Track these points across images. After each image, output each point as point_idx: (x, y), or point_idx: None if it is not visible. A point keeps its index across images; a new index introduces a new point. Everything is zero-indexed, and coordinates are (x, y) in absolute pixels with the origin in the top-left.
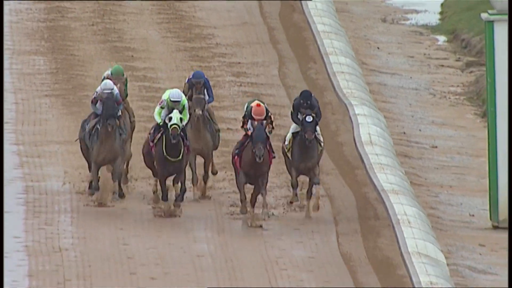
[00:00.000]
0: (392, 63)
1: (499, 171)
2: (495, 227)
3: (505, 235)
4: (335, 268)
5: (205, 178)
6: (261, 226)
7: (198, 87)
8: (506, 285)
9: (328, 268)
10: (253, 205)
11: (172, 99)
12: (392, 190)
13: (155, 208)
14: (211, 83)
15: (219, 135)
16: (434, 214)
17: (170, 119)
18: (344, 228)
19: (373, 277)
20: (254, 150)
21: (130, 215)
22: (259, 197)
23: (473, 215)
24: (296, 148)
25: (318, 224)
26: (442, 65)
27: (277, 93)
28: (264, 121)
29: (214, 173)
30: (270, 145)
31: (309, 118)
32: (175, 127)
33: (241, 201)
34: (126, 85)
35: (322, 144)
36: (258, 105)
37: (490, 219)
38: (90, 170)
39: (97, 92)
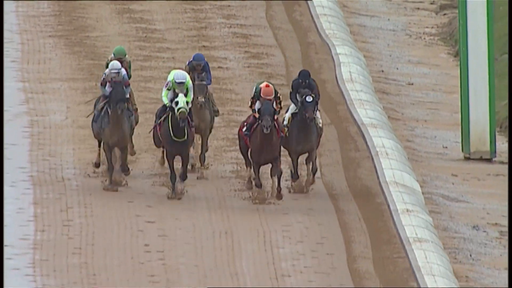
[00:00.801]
0: (371, 6)
1: (470, 107)
2: (467, 158)
3: (476, 165)
4: (318, 196)
5: (202, 158)
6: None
7: (198, 69)
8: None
9: (311, 195)
10: (273, 175)
11: (177, 80)
12: (371, 124)
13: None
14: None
15: (214, 116)
16: (410, 146)
17: (177, 103)
18: (326, 159)
19: (353, 205)
20: (261, 122)
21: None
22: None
23: (446, 147)
24: (295, 129)
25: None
26: (418, 8)
27: (264, 34)
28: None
29: (206, 150)
30: (278, 124)
31: (309, 98)
32: (182, 111)
33: (257, 180)
34: (129, 67)
35: (320, 125)
36: (267, 85)
37: (462, 151)
38: (100, 148)
39: (105, 74)
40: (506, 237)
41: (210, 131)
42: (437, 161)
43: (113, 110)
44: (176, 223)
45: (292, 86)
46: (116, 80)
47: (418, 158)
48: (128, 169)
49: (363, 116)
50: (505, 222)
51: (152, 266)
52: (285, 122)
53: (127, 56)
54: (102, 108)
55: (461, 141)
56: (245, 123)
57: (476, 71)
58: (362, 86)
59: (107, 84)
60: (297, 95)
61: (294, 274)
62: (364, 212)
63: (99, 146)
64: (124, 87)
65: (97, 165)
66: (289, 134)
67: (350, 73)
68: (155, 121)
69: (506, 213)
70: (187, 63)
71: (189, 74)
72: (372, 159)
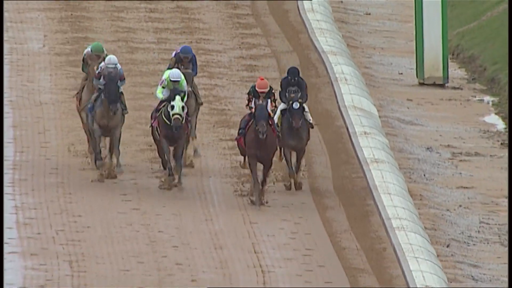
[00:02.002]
0: None
1: (424, 35)
2: (421, 84)
3: (429, 90)
4: None
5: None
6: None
7: (185, 61)
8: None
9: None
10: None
11: (172, 79)
12: (331, 52)
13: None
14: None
15: (199, 107)
16: (368, 72)
17: (173, 107)
18: None
19: (314, 128)
20: (257, 128)
21: None
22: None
23: (401, 74)
24: (285, 126)
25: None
26: None
27: None
28: (269, 100)
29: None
30: (273, 123)
31: (296, 105)
32: (177, 118)
33: (255, 182)
34: None
35: (311, 121)
36: (261, 78)
37: (417, 77)
38: (89, 141)
39: (101, 68)
40: (458, 158)
41: (196, 116)
42: (393, 87)
43: (105, 107)
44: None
45: (281, 84)
46: (111, 75)
47: (375, 84)
48: (118, 155)
49: (323, 44)
50: (457, 143)
51: (125, 187)
52: (276, 121)
53: (105, 52)
54: (95, 100)
55: (415, 67)
56: (241, 125)
57: (430, 1)
58: (322, 16)
59: (102, 77)
60: (286, 94)
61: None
62: (324, 135)
63: (91, 136)
64: (119, 81)
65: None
66: (280, 130)
67: (311, 3)
68: (151, 122)
69: (457, 135)
70: (173, 54)
71: (175, 66)
72: (332, 84)
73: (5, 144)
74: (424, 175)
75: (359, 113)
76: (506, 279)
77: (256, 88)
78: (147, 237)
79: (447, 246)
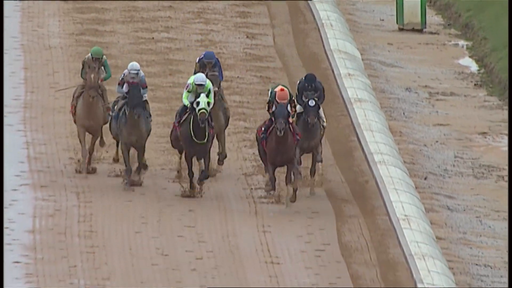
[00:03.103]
0: None
1: None
2: (401, 29)
3: (409, 35)
4: (271, 61)
5: (221, 156)
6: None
7: (209, 66)
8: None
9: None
10: (287, 183)
11: (196, 83)
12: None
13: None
14: None
15: (228, 114)
16: (352, 19)
17: (198, 103)
18: (279, 31)
19: (302, 70)
20: (275, 125)
21: None
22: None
23: (383, 20)
24: (300, 128)
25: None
26: None
27: None
28: (288, 105)
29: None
30: (294, 128)
31: (311, 102)
32: (203, 112)
33: (272, 183)
34: (106, 65)
35: (324, 124)
36: (281, 89)
37: (397, 22)
38: (118, 147)
39: (124, 74)
40: (435, 98)
41: (226, 128)
42: (375, 32)
43: (130, 113)
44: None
45: (298, 88)
46: (134, 81)
47: (359, 29)
48: (147, 166)
49: None
50: (434, 84)
51: None
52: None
53: (104, 56)
54: (120, 109)
55: (395, 14)
56: (262, 127)
57: None
58: None
59: (125, 84)
60: (303, 97)
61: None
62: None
63: (117, 145)
64: (142, 89)
65: (116, 160)
66: None
67: None
68: (174, 121)
69: (434, 77)
70: (197, 60)
71: (199, 71)
72: (319, 30)
73: (16, 85)
74: (404, 114)
75: (343, 56)
76: (480, 209)
77: (277, 99)
78: (148, 172)
79: (425, 179)
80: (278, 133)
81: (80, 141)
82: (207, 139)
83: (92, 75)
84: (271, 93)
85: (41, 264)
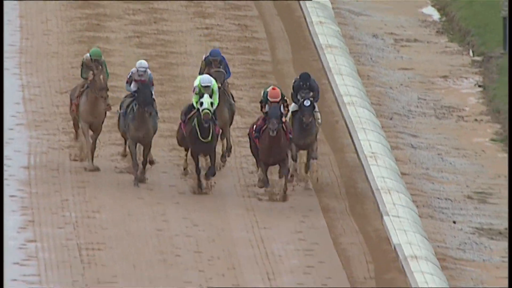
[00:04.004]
0: None
1: None
2: None
3: None
4: (248, 10)
5: (226, 149)
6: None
7: (215, 64)
8: None
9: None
10: (281, 176)
11: (203, 84)
12: None
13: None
14: None
15: (233, 110)
16: None
17: (202, 104)
18: None
19: (278, 21)
20: (268, 125)
21: None
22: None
23: None
24: (296, 125)
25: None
26: None
27: None
28: (281, 105)
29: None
30: (287, 126)
31: (307, 102)
32: (207, 112)
33: (265, 178)
34: (105, 66)
35: (320, 121)
36: (273, 88)
37: None
38: (126, 145)
39: (132, 72)
40: (400, 44)
41: (230, 124)
42: None
43: (140, 111)
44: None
45: (293, 87)
46: (142, 79)
47: None
48: (153, 161)
49: None
50: (399, 31)
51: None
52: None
53: (102, 57)
54: (128, 105)
55: None
56: (255, 125)
57: None
58: None
59: (133, 82)
60: (298, 95)
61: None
62: (285, 24)
63: (125, 143)
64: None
65: (124, 155)
66: (292, 129)
67: None
68: (180, 119)
69: (399, 24)
70: (204, 58)
71: (206, 69)
72: None
73: (12, 32)
74: (371, 59)
75: (315, 5)
76: (441, 147)
77: (269, 98)
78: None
79: (390, 119)
80: (271, 133)
81: (84, 135)
82: (212, 137)
83: (101, 76)
84: (264, 93)
85: (36, 198)
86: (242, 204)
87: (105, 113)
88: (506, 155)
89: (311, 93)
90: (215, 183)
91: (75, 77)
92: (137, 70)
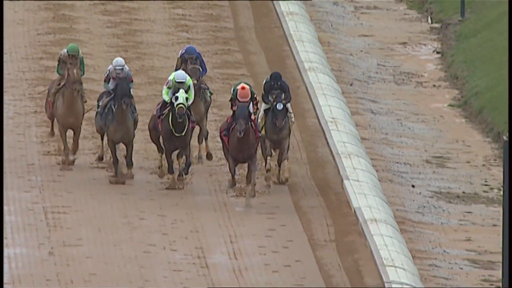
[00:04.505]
0: None
1: None
2: None
3: None
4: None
5: (200, 139)
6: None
7: (191, 61)
8: None
9: None
10: (248, 182)
11: (177, 80)
12: None
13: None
14: None
15: (208, 104)
16: None
17: (177, 98)
18: None
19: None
20: (236, 126)
21: None
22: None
23: None
24: (269, 123)
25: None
26: None
27: None
28: (251, 103)
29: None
30: (256, 125)
31: (279, 106)
32: (181, 106)
33: (232, 179)
34: (82, 63)
35: (292, 119)
36: (243, 87)
37: None
38: (102, 142)
39: (109, 70)
40: (360, 11)
41: (206, 120)
42: None
43: (118, 105)
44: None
45: (264, 88)
46: (120, 77)
47: None
48: (132, 163)
49: None
50: None
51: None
52: (259, 121)
53: (80, 53)
54: (106, 105)
55: None
56: (225, 124)
57: None
58: None
59: (111, 80)
60: (269, 96)
61: None
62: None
63: (102, 139)
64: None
65: (100, 158)
66: (264, 128)
67: None
68: (154, 114)
69: None
70: (179, 55)
71: (181, 66)
72: None
73: None
74: (332, 25)
75: None
76: (400, 112)
77: (238, 97)
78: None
79: (350, 85)
80: (238, 134)
81: (63, 141)
82: (186, 132)
83: (75, 70)
84: (233, 90)
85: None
86: (206, 170)
87: (83, 112)
88: (463, 120)
89: (283, 95)
90: (191, 182)
91: (41, 44)
92: (115, 69)
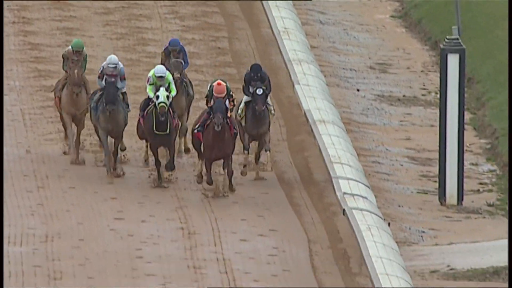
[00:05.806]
0: None
1: None
2: None
3: None
4: None
5: (181, 134)
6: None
7: (174, 54)
8: None
9: None
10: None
11: (157, 75)
12: None
13: (150, 176)
14: None
15: (191, 99)
16: None
17: (158, 97)
18: None
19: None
20: (213, 119)
21: None
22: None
23: None
24: (249, 115)
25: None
26: None
27: None
28: (227, 100)
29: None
30: (232, 122)
31: (259, 91)
32: (162, 106)
33: (208, 176)
34: (85, 60)
35: (273, 112)
36: (219, 83)
37: None
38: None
39: (103, 67)
40: None
41: (188, 115)
42: None
43: (103, 111)
44: None
45: (244, 80)
46: (113, 74)
47: None
48: (124, 148)
49: None
50: None
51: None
52: (239, 112)
53: (84, 49)
54: (98, 100)
55: None
56: (198, 122)
57: None
58: None
59: (104, 77)
60: (250, 87)
61: None
62: None
63: (96, 132)
64: (120, 81)
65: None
66: (245, 120)
67: None
68: (139, 114)
69: None
70: (163, 49)
71: (166, 59)
72: None
73: None
74: None
75: None
76: (347, 23)
77: (214, 93)
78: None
79: None
80: (216, 127)
81: (67, 128)
82: (170, 130)
83: (76, 71)
84: (210, 88)
85: None
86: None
87: (87, 106)
88: (404, 30)
89: (263, 83)
90: (176, 178)
91: (24, 22)
92: (108, 66)
